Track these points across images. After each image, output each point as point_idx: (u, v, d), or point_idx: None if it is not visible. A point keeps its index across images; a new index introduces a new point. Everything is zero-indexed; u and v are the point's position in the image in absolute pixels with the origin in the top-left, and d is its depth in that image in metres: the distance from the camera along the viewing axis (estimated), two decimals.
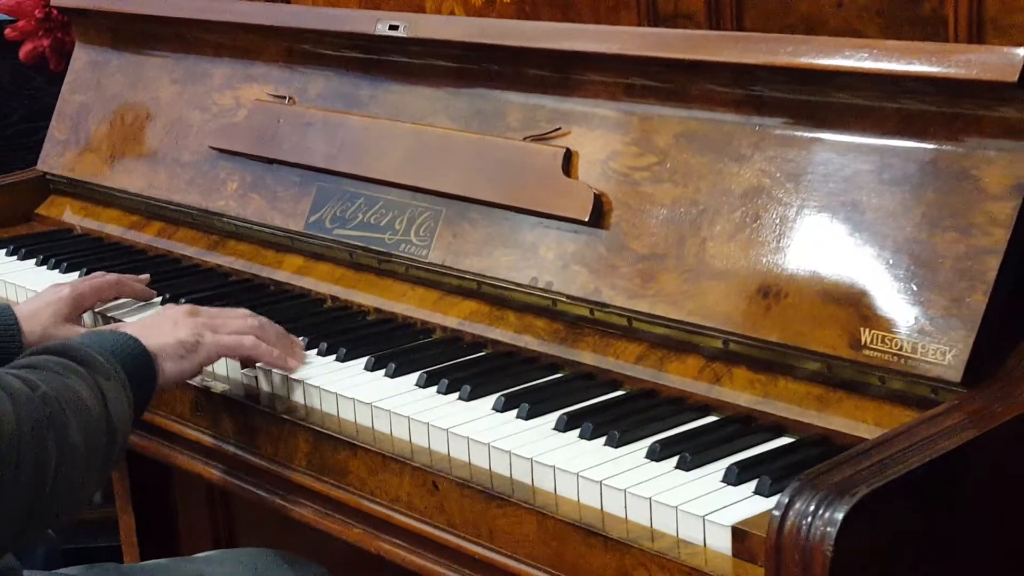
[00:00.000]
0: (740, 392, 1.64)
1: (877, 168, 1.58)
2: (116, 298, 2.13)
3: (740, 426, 1.60)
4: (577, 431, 1.60)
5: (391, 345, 1.90)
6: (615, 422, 1.61)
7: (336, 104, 2.22)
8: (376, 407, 1.72)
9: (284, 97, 2.30)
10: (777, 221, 1.65)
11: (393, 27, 2.09)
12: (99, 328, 2.03)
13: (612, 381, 1.75)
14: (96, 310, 2.11)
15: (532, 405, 1.66)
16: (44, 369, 1.55)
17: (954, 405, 1.43)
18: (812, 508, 1.24)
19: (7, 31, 3.19)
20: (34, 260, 2.42)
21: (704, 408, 1.65)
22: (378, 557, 1.69)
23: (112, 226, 2.54)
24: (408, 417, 1.68)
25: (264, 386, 1.86)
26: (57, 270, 2.37)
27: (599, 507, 1.49)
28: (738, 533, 1.37)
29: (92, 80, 2.67)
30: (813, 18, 1.83)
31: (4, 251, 2.49)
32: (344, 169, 2.15)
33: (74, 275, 2.31)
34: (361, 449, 1.69)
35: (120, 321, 2.08)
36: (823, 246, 1.60)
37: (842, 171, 1.61)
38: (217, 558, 1.95)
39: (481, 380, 1.75)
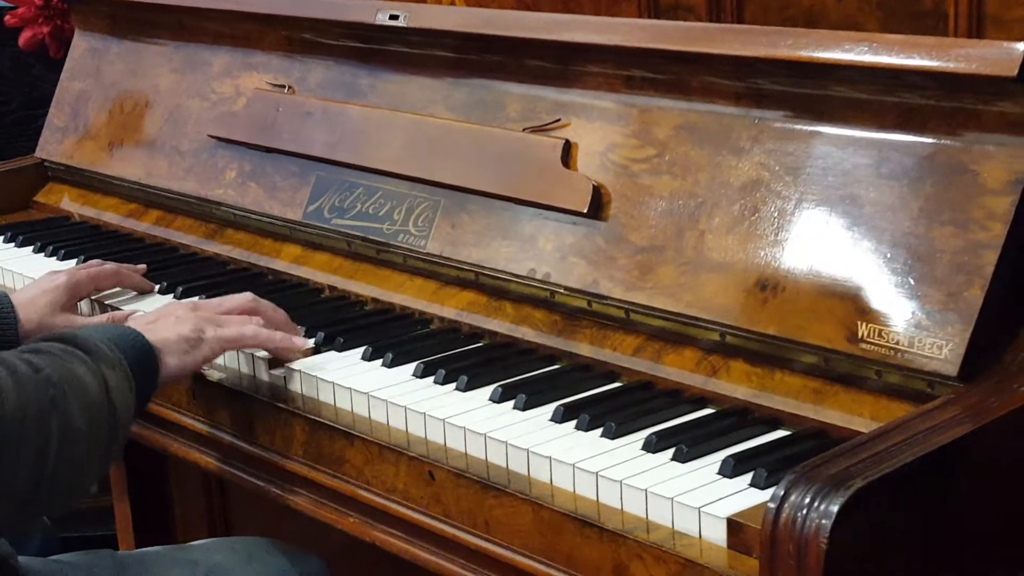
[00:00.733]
0: (737, 385, 1.64)
1: (876, 162, 1.58)
2: (113, 287, 2.13)
3: (736, 419, 1.60)
4: (574, 422, 1.61)
5: (388, 335, 1.90)
6: (612, 414, 1.61)
7: (336, 94, 2.22)
8: (373, 397, 1.72)
9: (283, 86, 2.30)
10: (775, 214, 1.65)
11: (393, 16, 2.09)
12: (99, 318, 2.03)
13: (609, 373, 1.75)
14: (93, 298, 2.11)
15: (529, 396, 1.66)
16: (48, 355, 1.56)
17: (950, 399, 1.43)
18: (807, 501, 1.24)
19: (7, 18, 3.19)
20: (32, 247, 2.42)
21: (701, 400, 1.66)
22: (373, 547, 1.69)
23: (110, 214, 2.54)
24: (405, 407, 1.68)
25: (261, 375, 1.86)
26: (55, 257, 2.36)
27: (595, 498, 1.49)
28: (733, 525, 1.37)
29: (91, 67, 2.66)
30: (813, 11, 1.83)
31: (2, 238, 2.49)
32: (343, 159, 2.15)
33: (71, 262, 2.31)
34: (357, 439, 1.69)
35: (118, 309, 2.08)
36: (821, 240, 1.60)
37: (841, 165, 1.61)
38: (212, 546, 1.95)
39: (478, 371, 1.75)
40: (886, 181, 1.57)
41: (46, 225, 2.56)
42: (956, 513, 1.35)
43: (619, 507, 1.47)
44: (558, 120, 1.90)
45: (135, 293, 2.14)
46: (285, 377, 1.83)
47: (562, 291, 1.82)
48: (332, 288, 2.11)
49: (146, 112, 2.52)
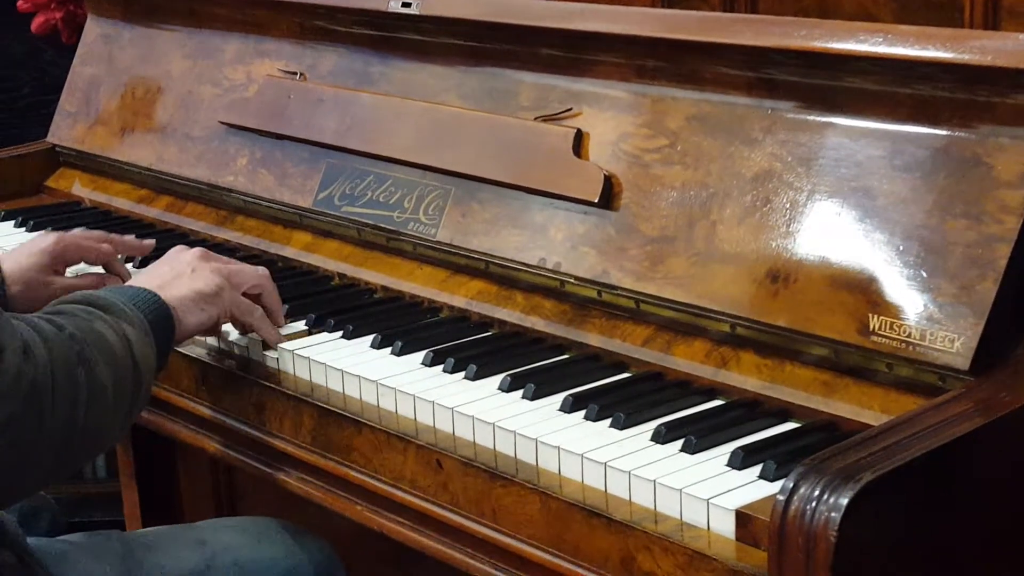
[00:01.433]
0: (747, 376, 1.63)
1: (889, 154, 1.58)
2: (103, 255, 2.10)
3: (746, 410, 1.60)
4: (583, 412, 1.60)
5: (398, 323, 1.90)
6: (621, 404, 1.60)
7: (347, 81, 2.21)
8: (382, 385, 1.72)
9: (295, 73, 2.29)
10: (787, 205, 1.64)
11: (406, 4, 2.08)
12: (84, 280, 2.05)
13: (619, 363, 1.74)
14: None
15: (538, 386, 1.66)
16: (70, 315, 1.58)
17: (961, 393, 1.43)
18: (816, 493, 1.24)
19: (20, 3, 3.19)
20: (42, 232, 2.42)
21: (710, 392, 1.65)
22: (380, 535, 1.69)
23: (121, 200, 2.54)
24: (414, 395, 1.68)
25: (270, 362, 1.85)
26: None
27: (603, 488, 1.48)
28: (742, 517, 1.37)
29: (103, 53, 2.66)
30: (827, 2, 1.83)
31: (12, 222, 2.49)
32: (354, 146, 2.14)
33: None
34: (366, 426, 1.69)
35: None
36: (833, 231, 1.59)
37: (854, 156, 1.60)
38: (220, 526, 1.95)
39: (487, 360, 1.75)
40: (899, 173, 1.56)
41: (57, 210, 2.56)
42: (966, 507, 1.35)
43: (627, 498, 1.46)
44: (570, 109, 1.90)
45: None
46: (294, 364, 1.82)
47: (572, 281, 1.82)
48: (342, 276, 2.11)
49: (158, 98, 2.52)
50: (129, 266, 2.14)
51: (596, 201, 1.81)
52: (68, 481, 3.41)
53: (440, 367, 1.75)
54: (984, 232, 1.48)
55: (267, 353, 1.86)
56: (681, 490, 1.42)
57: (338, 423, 1.72)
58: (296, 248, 2.20)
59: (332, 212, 2.14)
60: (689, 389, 1.66)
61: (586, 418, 1.59)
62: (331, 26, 2.25)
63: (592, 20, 1.87)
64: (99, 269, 2.11)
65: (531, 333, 1.85)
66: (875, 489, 1.24)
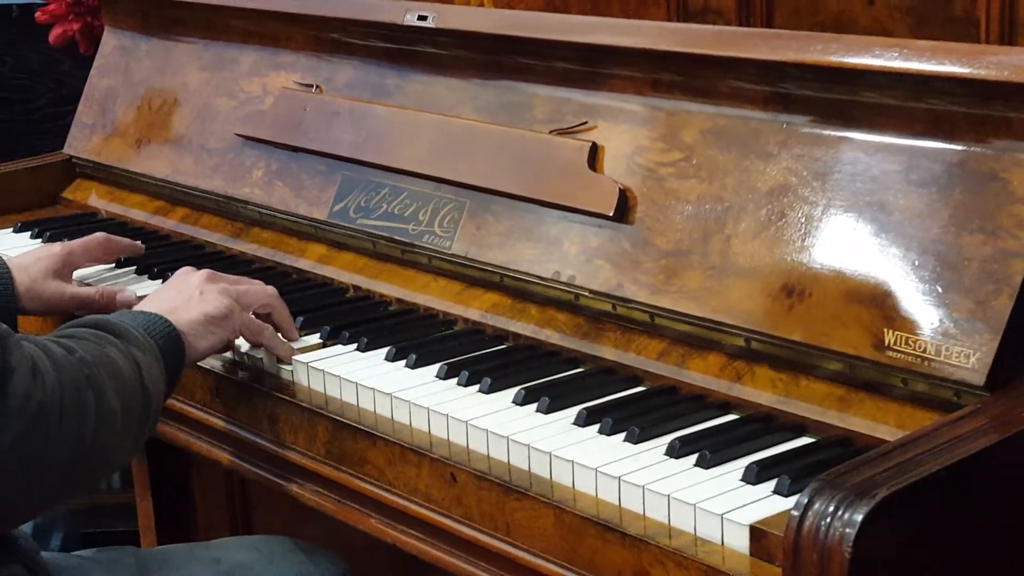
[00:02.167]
0: (761, 391, 1.63)
1: (905, 168, 1.57)
2: (107, 259, 2.17)
3: (760, 425, 1.59)
4: (597, 426, 1.60)
5: (412, 336, 1.90)
6: (635, 418, 1.60)
7: (363, 93, 2.21)
8: (396, 398, 1.72)
9: (311, 85, 2.30)
10: (803, 220, 1.64)
11: (422, 17, 2.08)
12: (87, 290, 2.07)
13: (633, 377, 1.74)
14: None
15: (552, 399, 1.66)
16: (81, 339, 1.59)
17: (977, 409, 1.42)
18: (831, 509, 1.23)
19: (37, 15, 3.20)
20: (59, 244, 2.42)
21: (725, 406, 1.65)
22: (394, 548, 1.69)
23: (137, 211, 2.54)
24: (428, 408, 1.68)
25: (285, 374, 1.86)
26: None
27: (617, 503, 1.48)
28: (756, 532, 1.37)
29: (120, 65, 2.67)
30: (843, 16, 1.82)
31: (29, 234, 2.49)
32: (369, 159, 2.15)
33: None
34: (380, 439, 1.68)
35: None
36: (848, 246, 1.59)
37: (869, 171, 1.60)
38: (234, 544, 1.95)
39: (502, 373, 1.75)
40: (915, 188, 1.56)
41: (73, 221, 2.57)
42: (981, 523, 1.34)
43: (641, 512, 1.46)
44: (585, 123, 1.90)
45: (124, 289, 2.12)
46: (309, 376, 1.83)
47: (587, 294, 1.82)
48: (356, 288, 2.11)
49: (174, 110, 2.52)
50: (137, 287, 2.12)
51: (611, 214, 1.80)
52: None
53: (454, 380, 1.75)
54: (1000, 247, 1.48)
55: (281, 365, 1.86)
56: (695, 505, 1.42)
57: (352, 436, 1.72)
58: (311, 260, 2.20)
59: (347, 224, 2.14)
60: (703, 403, 1.66)
61: (600, 432, 1.59)
62: (347, 39, 2.26)
63: (607, 34, 1.87)
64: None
65: (545, 346, 1.84)
66: (890, 505, 1.23)
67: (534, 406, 1.66)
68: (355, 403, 1.77)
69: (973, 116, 1.52)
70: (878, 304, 1.54)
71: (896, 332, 1.52)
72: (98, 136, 2.65)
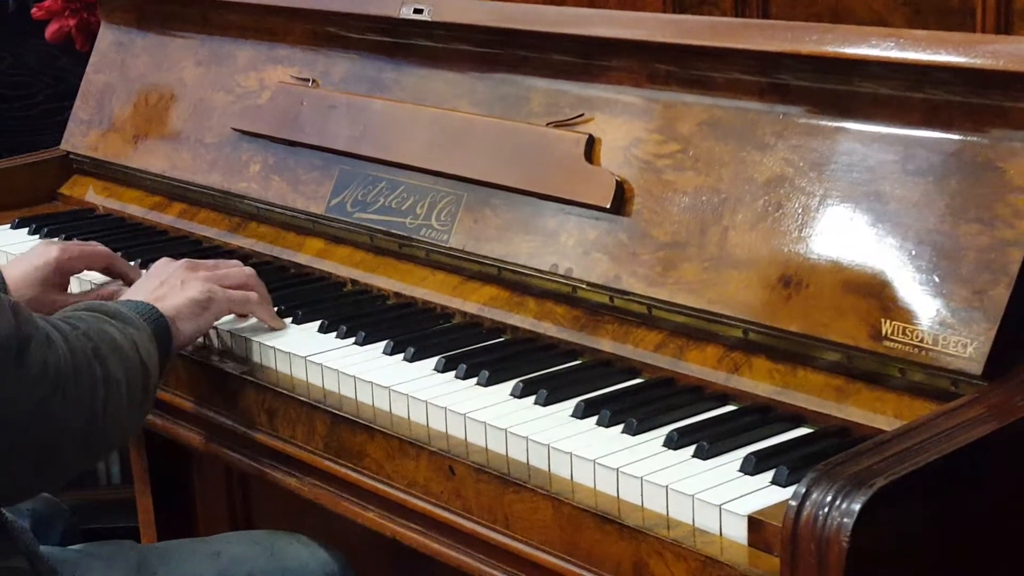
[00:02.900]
0: (759, 382, 1.63)
1: (901, 158, 1.57)
2: (102, 269, 2.10)
3: (758, 416, 1.59)
4: (595, 418, 1.60)
5: (410, 329, 1.90)
6: (633, 410, 1.60)
7: (359, 87, 2.21)
8: (394, 391, 1.72)
9: (308, 80, 2.30)
10: (799, 210, 1.64)
11: (418, 11, 2.08)
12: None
13: (631, 369, 1.74)
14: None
15: (550, 391, 1.66)
16: (80, 319, 1.64)
17: (974, 398, 1.42)
18: (829, 499, 1.23)
19: (33, 11, 3.20)
20: (56, 239, 2.42)
21: (722, 397, 1.65)
22: (393, 541, 1.69)
23: (134, 206, 2.54)
24: (426, 401, 1.68)
25: (283, 368, 1.86)
26: None
27: (615, 494, 1.48)
28: (754, 523, 1.37)
29: (117, 60, 2.67)
30: (839, 6, 1.82)
31: (26, 230, 2.49)
32: (366, 153, 2.14)
33: None
34: (378, 433, 1.69)
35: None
36: (845, 236, 1.59)
37: (866, 161, 1.60)
38: (234, 539, 1.95)
39: (500, 366, 1.75)
40: (912, 178, 1.56)
41: (71, 217, 2.57)
42: (979, 513, 1.34)
43: (639, 503, 1.46)
44: (581, 115, 1.90)
45: (121, 283, 2.10)
46: (307, 371, 1.83)
47: (584, 286, 1.82)
48: (354, 282, 2.11)
49: (171, 105, 2.52)
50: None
51: (608, 207, 1.80)
52: (82, 487, 3.42)
53: (452, 373, 1.75)
54: (997, 236, 1.48)
55: (279, 359, 1.86)
56: (693, 496, 1.42)
57: (350, 429, 1.72)
58: (308, 254, 2.20)
59: (344, 218, 2.14)
60: (701, 394, 1.66)
61: (598, 424, 1.59)
62: (343, 33, 2.26)
63: (603, 26, 1.87)
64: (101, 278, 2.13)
65: (543, 339, 1.84)
66: (888, 494, 1.23)
67: (532, 398, 1.66)
68: (353, 396, 1.77)
69: (969, 105, 1.52)
70: (875, 294, 1.54)
71: (893, 322, 1.52)
72: (95, 132, 2.65)
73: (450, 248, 1.99)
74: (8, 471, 1.51)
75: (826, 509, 1.23)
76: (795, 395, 1.59)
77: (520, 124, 1.96)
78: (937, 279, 1.50)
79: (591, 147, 1.86)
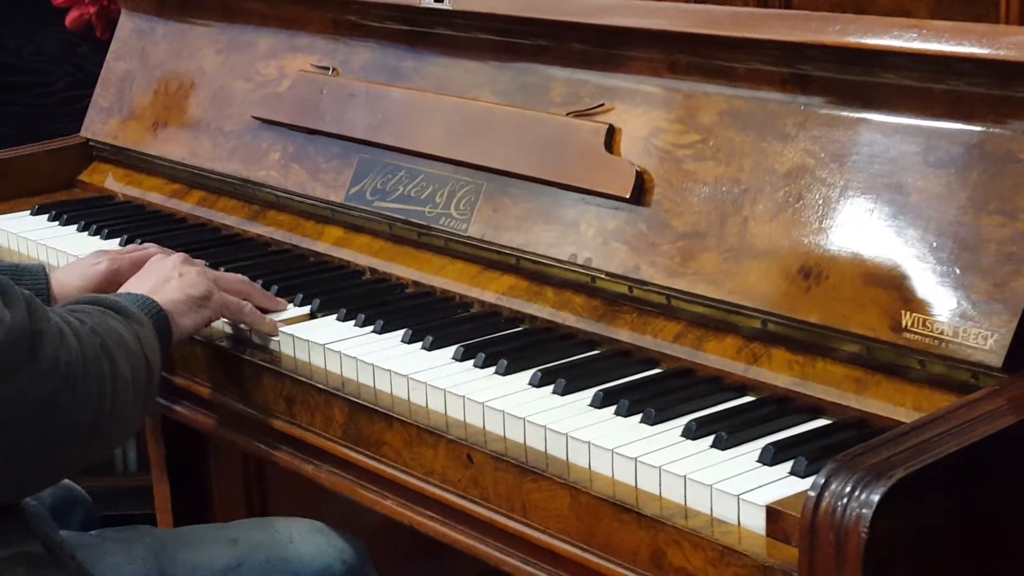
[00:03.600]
0: (778, 373, 1.63)
1: (923, 150, 1.57)
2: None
3: (777, 407, 1.59)
4: (613, 408, 1.60)
5: (429, 318, 1.90)
6: (651, 400, 1.60)
7: (379, 76, 2.21)
8: (412, 379, 1.72)
9: (328, 68, 2.30)
10: (820, 201, 1.63)
11: None
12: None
13: (649, 359, 1.74)
14: None
15: (568, 381, 1.66)
16: (86, 313, 1.65)
17: (994, 390, 1.42)
18: (848, 490, 1.23)
19: None
20: (75, 226, 2.43)
21: (741, 388, 1.65)
22: (411, 529, 1.69)
23: (154, 194, 2.55)
24: (444, 390, 1.68)
25: (301, 355, 1.86)
26: (98, 236, 2.37)
27: (633, 484, 1.48)
28: (772, 513, 1.37)
29: (137, 48, 2.67)
30: None
31: (46, 216, 2.50)
32: (386, 141, 2.14)
33: (114, 242, 2.33)
34: (397, 421, 1.69)
35: None
36: (866, 227, 1.58)
37: (887, 152, 1.60)
38: (253, 525, 1.96)
39: (518, 355, 1.75)
40: (933, 169, 1.55)
41: (90, 204, 2.58)
42: (998, 504, 1.34)
43: (657, 493, 1.46)
44: (602, 105, 1.89)
45: None
46: (325, 358, 1.83)
47: (603, 276, 1.82)
48: (373, 271, 2.11)
49: (191, 93, 2.52)
50: None
51: (628, 197, 1.80)
52: (99, 474, 3.43)
53: (471, 362, 1.75)
54: (1018, 229, 1.47)
55: (298, 347, 1.86)
56: (712, 486, 1.42)
57: (369, 417, 1.72)
58: (328, 243, 2.21)
59: (364, 207, 2.14)
60: (720, 385, 1.66)
61: (616, 413, 1.59)
62: (364, 21, 2.25)
63: (624, 15, 1.87)
64: None
65: (562, 328, 1.84)
66: (907, 486, 1.23)
67: (550, 388, 1.66)
68: (371, 385, 1.77)
69: (992, 97, 1.51)
70: (895, 286, 1.54)
71: (913, 314, 1.51)
72: (115, 119, 2.66)
73: (469, 237, 1.98)
74: (10, 468, 1.52)
75: (845, 500, 1.23)
76: (814, 386, 1.59)
77: (540, 114, 1.95)
78: (958, 271, 1.50)
79: (611, 137, 1.85)
